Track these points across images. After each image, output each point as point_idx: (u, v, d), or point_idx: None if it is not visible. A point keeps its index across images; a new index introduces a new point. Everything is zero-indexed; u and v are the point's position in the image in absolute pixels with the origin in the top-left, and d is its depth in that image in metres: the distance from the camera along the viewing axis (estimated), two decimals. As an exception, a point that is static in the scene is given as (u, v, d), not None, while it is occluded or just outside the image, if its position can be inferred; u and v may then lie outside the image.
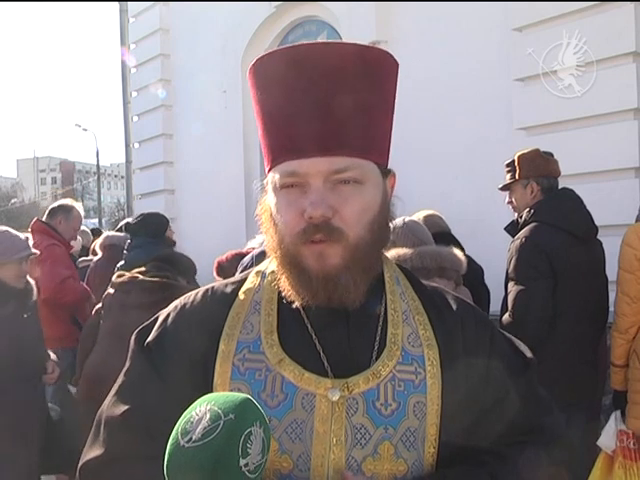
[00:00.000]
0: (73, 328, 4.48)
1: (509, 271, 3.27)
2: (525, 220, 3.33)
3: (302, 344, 1.12)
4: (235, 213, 6.77)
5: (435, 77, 5.11)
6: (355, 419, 1.08)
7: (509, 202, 3.52)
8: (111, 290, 3.37)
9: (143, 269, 3.30)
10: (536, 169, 3.37)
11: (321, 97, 1.07)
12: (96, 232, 7.04)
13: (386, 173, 1.17)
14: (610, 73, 4.14)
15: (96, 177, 41.29)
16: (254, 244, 2.93)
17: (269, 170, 1.15)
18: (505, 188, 3.52)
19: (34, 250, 3.47)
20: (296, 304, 1.13)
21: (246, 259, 2.66)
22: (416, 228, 2.76)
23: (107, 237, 4.89)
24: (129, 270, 3.35)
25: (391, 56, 1.15)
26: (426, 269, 2.50)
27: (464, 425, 1.14)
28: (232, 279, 1.26)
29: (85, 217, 5.98)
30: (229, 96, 7.10)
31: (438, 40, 5.14)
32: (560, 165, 3.45)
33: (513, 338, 1.30)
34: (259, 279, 1.21)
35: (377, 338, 1.14)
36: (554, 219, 3.23)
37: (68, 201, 5.07)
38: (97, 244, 4.95)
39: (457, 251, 2.72)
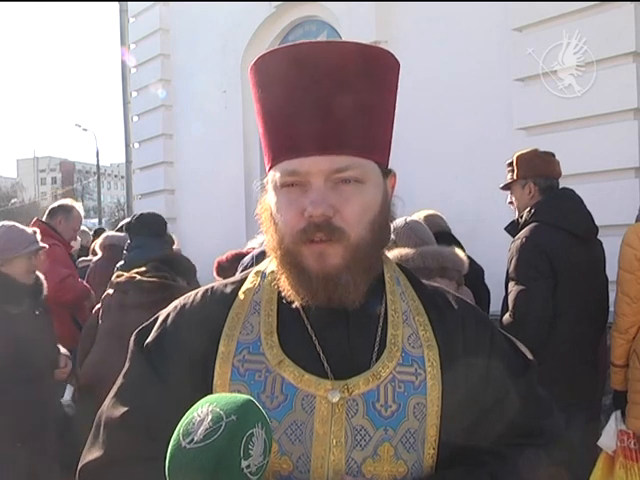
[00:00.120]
0: (73, 328, 4.48)
1: (509, 271, 3.27)
2: (525, 220, 3.32)
3: (302, 345, 1.11)
4: (235, 213, 6.77)
5: (435, 77, 5.11)
6: (355, 420, 1.08)
7: (510, 202, 3.52)
8: (110, 290, 3.37)
9: (142, 269, 3.29)
10: (533, 169, 3.36)
11: (322, 96, 1.06)
12: (100, 232, 7.03)
13: (387, 173, 1.16)
14: (610, 73, 4.14)
15: (96, 177, 41.30)
16: (254, 244, 2.92)
17: (270, 169, 1.14)
18: (506, 188, 3.52)
19: (42, 244, 3.42)
20: (296, 304, 1.13)
21: (246, 259, 2.66)
22: (418, 228, 2.76)
23: (107, 237, 4.88)
24: (128, 270, 3.35)
25: (392, 56, 1.15)
26: (428, 269, 2.50)
27: (464, 425, 1.14)
28: (232, 279, 1.26)
29: (85, 217, 5.98)
30: (229, 96, 7.10)
31: (438, 40, 5.14)
32: (560, 165, 3.44)
33: (513, 338, 1.30)
34: (259, 279, 1.20)
35: (377, 339, 1.13)
36: (554, 219, 3.23)
37: (68, 201, 5.08)
38: (97, 244, 4.95)
39: (459, 251, 2.72)
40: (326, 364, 1.10)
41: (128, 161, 9.07)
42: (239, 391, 1.07)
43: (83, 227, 6.25)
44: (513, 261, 3.22)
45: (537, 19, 4.50)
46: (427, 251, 2.58)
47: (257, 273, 1.22)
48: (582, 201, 3.34)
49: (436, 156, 5.11)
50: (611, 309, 3.26)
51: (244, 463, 0.88)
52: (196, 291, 1.24)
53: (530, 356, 1.27)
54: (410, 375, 1.12)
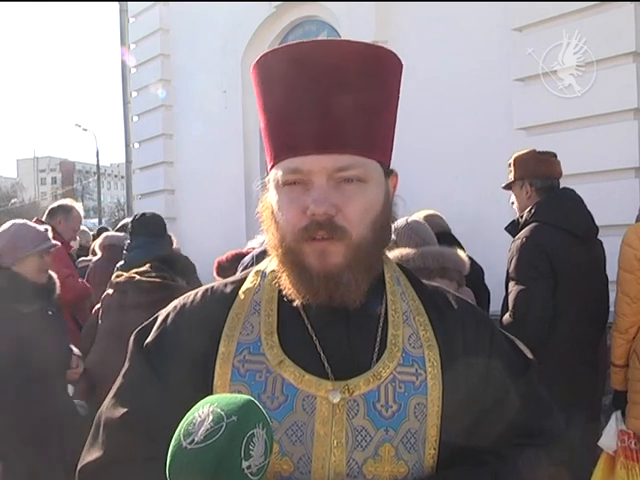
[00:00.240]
0: (73, 328, 4.47)
1: (509, 271, 3.27)
2: (525, 220, 3.32)
3: (302, 345, 1.11)
4: (235, 213, 6.77)
5: (435, 77, 5.11)
6: (356, 421, 1.08)
7: (513, 202, 3.52)
8: (110, 290, 3.38)
9: (142, 269, 3.29)
10: (530, 170, 3.36)
11: (322, 95, 1.06)
12: (102, 232, 7.02)
13: (389, 173, 1.16)
14: (610, 73, 4.14)
15: (96, 177, 41.28)
16: (254, 244, 2.92)
17: (271, 167, 1.14)
18: (507, 188, 3.53)
19: (55, 242, 3.37)
20: (296, 303, 1.12)
21: (246, 259, 2.66)
22: (419, 228, 2.76)
23: (107, 237, 4.88)
24: (128, 270, 3.35)
25: (395, 55, 1.15)
26: (428, 269, 2.50)
27: (464, 425, 1.14)
28: (232, 278, 1.25)
29: (85, 217, 5.98)
30: (229, 96, 7.09)
31: (438, 40, 5.14)
32: (561, 165, 3.44)
33: (514, 338, 1.30)
34: (259, 278, 1.20)
35: (377, 339, 1.13)
36: (554, 219, 3.23)
37: (68, 201, 5.07)
38: (96, 244, 4.95)
39: (460, 252, 2.72)
40: (326, 364, 1.10)
41: (128, 161, 9.07)
42: (240, 391, 1.07)
43: (83, 227, 6.24)
44: (513, 261, 3.22)
45: (537, 19, 4.50)
46: (428, 251, 2.58)
47: (257, 273, 1.22)
48: (582, 201, 3.34)
49: (436, 156, 5.11)
50: (611, 309, 3.26)
51: (245, 464, 0.88)
52: (196, 291, 1.23)
53: (530, 356, 1.26)
54: (411, 375, 1.11)
